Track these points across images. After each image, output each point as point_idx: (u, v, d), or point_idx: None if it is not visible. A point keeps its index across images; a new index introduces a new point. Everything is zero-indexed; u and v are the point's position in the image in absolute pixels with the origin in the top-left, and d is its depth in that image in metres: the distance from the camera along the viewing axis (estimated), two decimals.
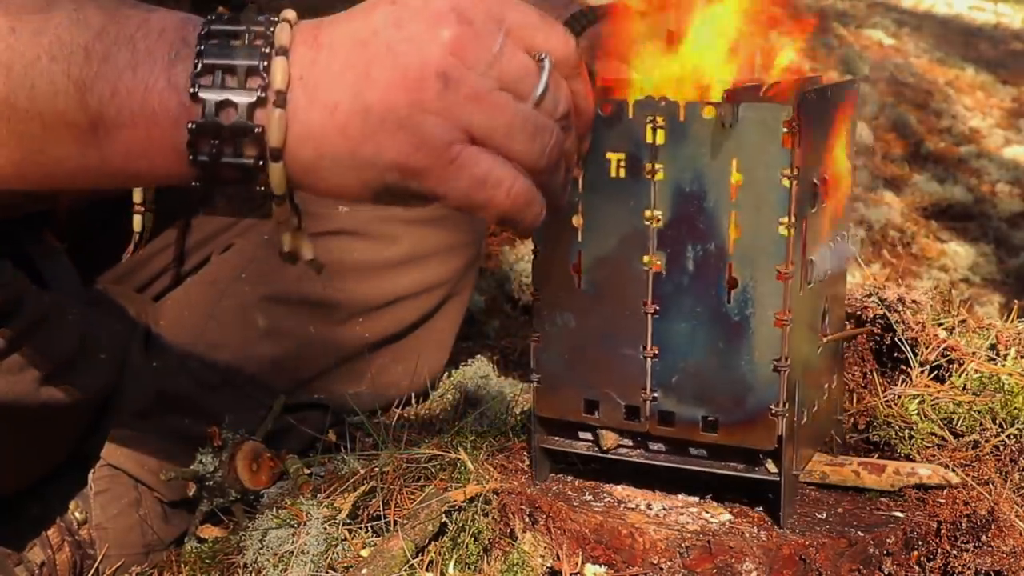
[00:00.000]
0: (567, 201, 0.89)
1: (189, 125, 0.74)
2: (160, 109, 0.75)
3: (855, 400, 1.27)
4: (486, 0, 0.75)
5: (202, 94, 0.74)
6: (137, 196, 1.45)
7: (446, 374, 1.69)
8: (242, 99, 0.74)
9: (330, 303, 1.55)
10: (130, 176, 0.79)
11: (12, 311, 1.17)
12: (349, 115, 0.73)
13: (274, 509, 1.25)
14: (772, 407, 1.00)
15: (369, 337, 1.58)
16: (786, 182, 0.96)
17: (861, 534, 1.02)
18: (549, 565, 1.05)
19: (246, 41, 0.75)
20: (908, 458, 1.15)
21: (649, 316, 1.03)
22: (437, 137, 0.72)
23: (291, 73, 0.74)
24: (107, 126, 0.75)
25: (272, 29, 0.75)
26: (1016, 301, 1.52)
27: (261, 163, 0.74)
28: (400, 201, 0.77)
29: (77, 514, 1.35)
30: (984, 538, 1.05)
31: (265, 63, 0.74)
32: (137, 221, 1.47)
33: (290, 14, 0.77)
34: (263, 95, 0.74)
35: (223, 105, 0.74)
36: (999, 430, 1.16)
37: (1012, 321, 1.39)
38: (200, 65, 0.74)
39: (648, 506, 1.08)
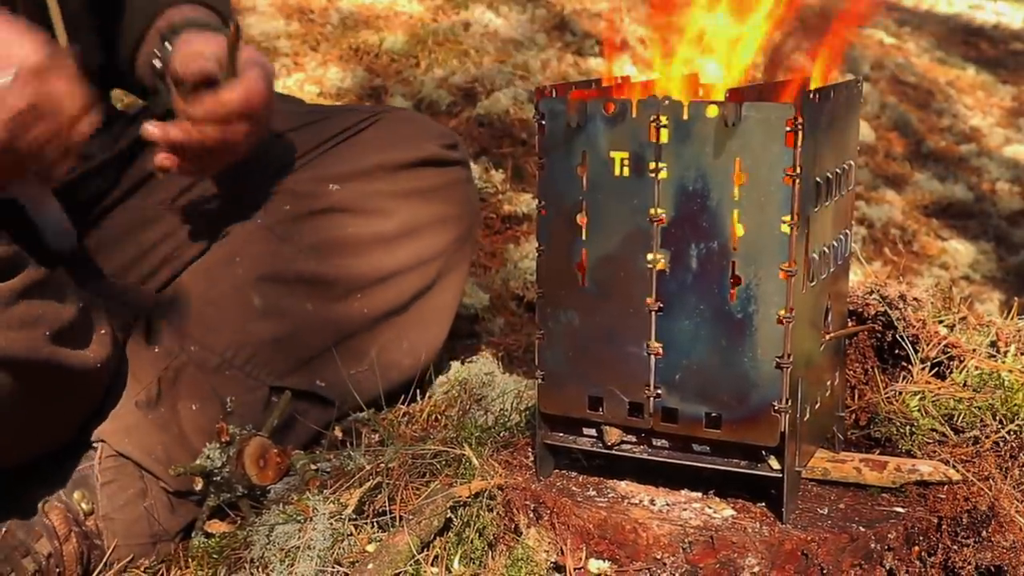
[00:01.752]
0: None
1: None
2: None
3: (856, 396, 1.28)
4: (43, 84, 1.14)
5: None
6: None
7: (451, 370, 1.69)
8: None
9: (327, 280, 1.55)
10: None
11: (12, 267, 1.18)
12: None
13: (281, 504, 1.26)
14: (775, 404, 1.01)
15: (368, 312, 1.57)
16: (789, 181, 0.97)
17: (863, 529, 1.03)
18: (553, 560, 1.06)
19: None
20: (909, 454, 1.16)
21: (653, 314, 1.04)
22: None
23: None
24: None
25: None
26: (1016, 298, 1.53)
27: None
28: None
29: (83, 504, 1.35)
30: (984, 533, 1.06)
31: None
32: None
33: None
34: None
35: None
36: (999, 426, 1.17)
37: (1012, 318, 1.40)
38: None
39: (651, 502, 1.08)
